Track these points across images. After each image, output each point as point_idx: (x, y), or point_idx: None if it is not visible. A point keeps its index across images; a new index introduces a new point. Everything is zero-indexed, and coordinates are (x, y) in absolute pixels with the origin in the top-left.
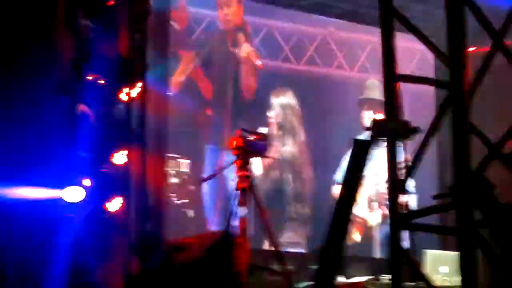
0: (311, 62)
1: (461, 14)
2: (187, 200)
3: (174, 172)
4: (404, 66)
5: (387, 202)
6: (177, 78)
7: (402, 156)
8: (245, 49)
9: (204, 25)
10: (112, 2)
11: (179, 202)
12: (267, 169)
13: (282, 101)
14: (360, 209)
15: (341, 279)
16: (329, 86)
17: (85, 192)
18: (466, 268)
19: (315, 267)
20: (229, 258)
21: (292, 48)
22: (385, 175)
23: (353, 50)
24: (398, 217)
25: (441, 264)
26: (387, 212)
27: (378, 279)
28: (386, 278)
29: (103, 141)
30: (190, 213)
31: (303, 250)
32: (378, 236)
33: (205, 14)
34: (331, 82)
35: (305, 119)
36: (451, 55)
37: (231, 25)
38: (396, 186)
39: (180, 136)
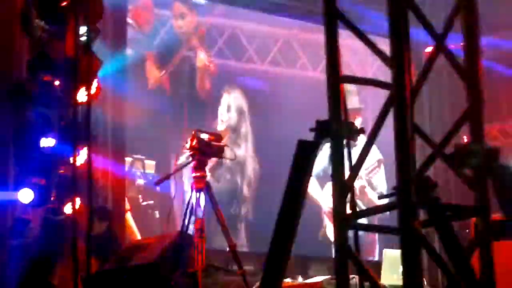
0: (274, 63)
1: (403, 16)
2: (152, 201)
3: (139, 173)
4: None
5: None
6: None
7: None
8: (201, 58)
9: (168, 27)
10: (66, 3)
11: (145, 203)
12: (211, 170)
13: (232, 103)
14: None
15: (300, 279)
16: (292, 86)
17: (36, 194)
18: (409, 267)
19: None
20: (185, 259)
21: (256, 48)
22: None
23: (316, 50)
24: (343, 216)
25: (400, 263)
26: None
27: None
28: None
29: (58, 142)
30: (156, 213)
31: (246, 251)
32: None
33: (168, 15)
34: (295, 82)
35: (258, 120)
36: (393, 56)
37: (186, 33)
38: (341, 186)
39: (146, 138)
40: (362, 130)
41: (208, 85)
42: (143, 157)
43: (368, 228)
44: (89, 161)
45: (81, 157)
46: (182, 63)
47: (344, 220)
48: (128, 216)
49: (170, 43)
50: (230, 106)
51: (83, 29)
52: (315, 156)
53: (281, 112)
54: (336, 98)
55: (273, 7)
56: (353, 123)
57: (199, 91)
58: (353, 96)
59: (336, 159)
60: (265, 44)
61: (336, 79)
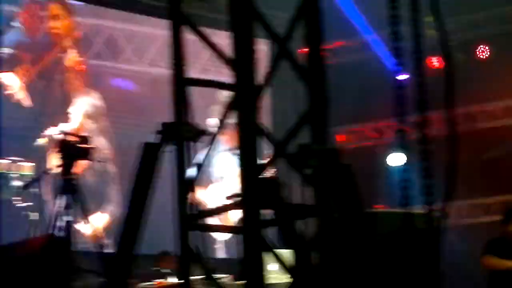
0: (153, 63)
1: (246, 20)
2: (31, 203)
3: (17, 175)
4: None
5: None
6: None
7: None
8: (70, 58)
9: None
10: None
11: (23, 205)
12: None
13: (87, 103)
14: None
15: (173, 279)
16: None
17: None
18: (250, 267)
19: (155, 268)
20: (54, 262)
21: (134, 49)
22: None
23: (196, 51)
24: (187, 217)
25: (273, 262)
26: None
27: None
28: (220, 277)
29: None
30: (35, 215)
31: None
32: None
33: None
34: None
35: (124, 121)
36: (236, 58)
37: (60, 35)
38: (185, 186)
39: (24, 139)
40: (204, 132)
41: (79, 84)
42: (21, 158)
43: (210, 228)
44: None
45: None
46: (54, 64)
47: (186, 220)
48: None
49: (44, 43)
50: (82, 106)
51: None
52: (159, 158)
53: (151, 113)
54: (179, 100)
55: (150, 9)
56: (197, 125)
57: (70, 91)
58: None
59: (179, 161)
60: (143, 45)
61: (179, 81)
